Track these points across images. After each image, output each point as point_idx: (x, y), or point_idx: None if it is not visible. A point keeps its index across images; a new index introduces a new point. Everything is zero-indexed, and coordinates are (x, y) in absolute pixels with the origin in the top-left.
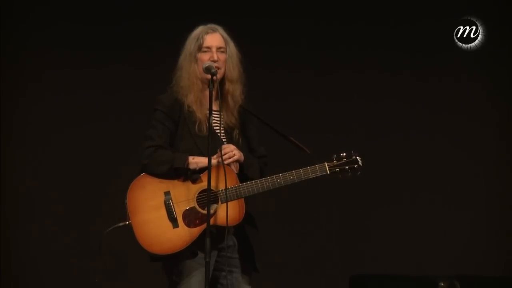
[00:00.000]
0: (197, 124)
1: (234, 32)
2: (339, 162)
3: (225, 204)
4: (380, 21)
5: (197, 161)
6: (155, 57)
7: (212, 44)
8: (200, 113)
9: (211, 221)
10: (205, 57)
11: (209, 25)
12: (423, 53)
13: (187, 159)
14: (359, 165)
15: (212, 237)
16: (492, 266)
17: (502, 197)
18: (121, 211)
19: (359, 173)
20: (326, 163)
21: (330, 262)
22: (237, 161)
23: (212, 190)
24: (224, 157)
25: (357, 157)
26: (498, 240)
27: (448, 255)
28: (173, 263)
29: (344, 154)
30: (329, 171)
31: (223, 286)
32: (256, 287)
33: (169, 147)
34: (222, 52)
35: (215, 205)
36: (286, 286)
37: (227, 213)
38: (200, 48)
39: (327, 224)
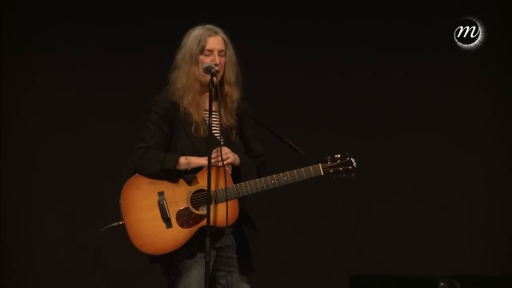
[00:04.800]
0: (193, 125)
1: (230, 30)
2: (333, 164)
3: (219, 205)
4: (379, 21)
5: (189, 161)
6: (155, 57)
7: (215, 47)
8: (197, 115)
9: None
10: (206, 60)
11: (209, 27)
12: (423, 53)
13: (178, 159)
14: (354, 166)
15: (211, 237)
16: (492, 266)
17: (503, 197)
18: (117, 211)
19: (353, 174)
20: (320, 164)
21: (330, 262)
22: (231, 164)
23: (206, 190)
24: (217, 159)
25: (352, 159)
26: (498, 240)
27: (448, 255)
28: (172, 263)
29: (339, 155)
30: (323, 172)
31: (222, 286)
32: (255, 287)
33: (162, 148)
34: (223, 55)
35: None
36: (286, 286)
37: (227, 213)
38: (202, 51)
39: (327, 224)
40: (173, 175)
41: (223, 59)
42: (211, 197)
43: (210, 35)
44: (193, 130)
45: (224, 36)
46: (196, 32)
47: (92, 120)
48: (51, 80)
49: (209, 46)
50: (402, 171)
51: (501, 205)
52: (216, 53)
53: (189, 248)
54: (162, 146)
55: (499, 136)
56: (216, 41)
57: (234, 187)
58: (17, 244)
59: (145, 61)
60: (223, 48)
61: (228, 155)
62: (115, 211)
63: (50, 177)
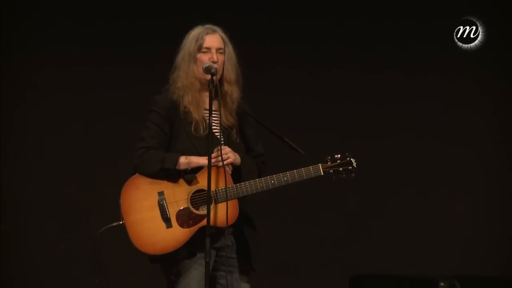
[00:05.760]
0: (193, 124)
1: (228, 30)
2: (333, 164)
3: (219, 205)
4: (378, 20)
5: (189, 161)
6: (154, 56)
7: (212, 45)
8: (197, 114)
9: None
10: (204, 58)
11: (208, 26)
12: (423, 53)
13: (178, 159)
14: (353, 167)
15: (211, 237)
16: (492, 266)
17: (503, 196)
18: (117, 211)
19: (353, 175)
20: (320, 164)
21: (330, 262)
22: (231, 163)
23: (206, 190)
24: (218, 159)
25: (351, 159)
26: (498, 240)
27: (448, 255)
28: (172, 263)
29: (339, 155)
30: (323, 172)
31: (222, 286)
32: (255, 287)
33: (162, 148)
34: (221, 53)
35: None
36: (286, 286)
37: (227, 213)
38: (200, 49)
39: (327, 224)
40: (173, 175)
41: (221, 57)
42: (211, 197)
43: (207, 33)
44: (193, 129)
45: (223, 35)
46: (195, 32)
47: (92, 120)
48: (51, 80)
49: (206, 44)
50: (402, 172)
51: (501, 205)
52: (214, 50)
53: (189, 248)
54: (162, 146)
55: (499, 136)
56: (213, 39)
57: (234, 187)
58: (17, 244)
59: (145, 61)
60: (221, 46)
61: (229, 155)
62: (115, 211)
63: (50, 177)
